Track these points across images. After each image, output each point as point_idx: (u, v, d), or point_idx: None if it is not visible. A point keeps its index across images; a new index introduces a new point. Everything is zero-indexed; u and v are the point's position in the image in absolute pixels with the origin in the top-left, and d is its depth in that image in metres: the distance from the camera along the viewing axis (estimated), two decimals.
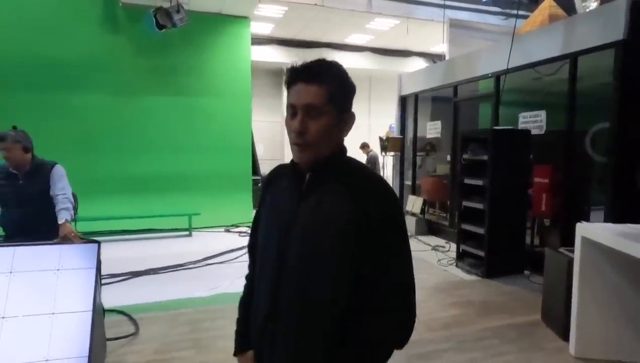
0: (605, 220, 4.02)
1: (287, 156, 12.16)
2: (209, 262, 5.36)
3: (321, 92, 0.99)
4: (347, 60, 11.70)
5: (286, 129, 1.04)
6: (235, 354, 1.21)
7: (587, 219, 4.33)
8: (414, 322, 1.04)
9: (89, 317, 2.15)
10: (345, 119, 1.05)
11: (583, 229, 2.91)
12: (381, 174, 8.77)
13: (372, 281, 0.99)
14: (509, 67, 5.13)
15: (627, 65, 3.92)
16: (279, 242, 1.05)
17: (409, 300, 1.03)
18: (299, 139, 1.00)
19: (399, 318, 1.02)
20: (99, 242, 2.43)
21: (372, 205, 0.99)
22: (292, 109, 1.01)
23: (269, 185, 1.17)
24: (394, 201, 1.05)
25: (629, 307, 2.87)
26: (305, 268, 1.01)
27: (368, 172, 1.08)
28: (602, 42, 4.14)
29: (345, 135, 1.08)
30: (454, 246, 5.54)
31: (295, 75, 1.00)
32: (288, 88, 1.02)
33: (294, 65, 1.02)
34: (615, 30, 3.98)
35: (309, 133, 0.99)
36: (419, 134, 7.77)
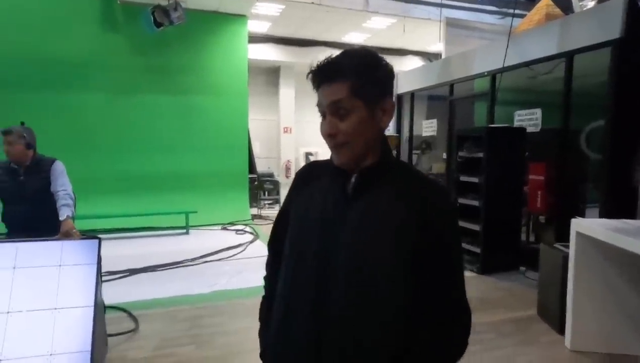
0: (600, 217, 4.08)
1: (284, 154, 12.23)
2: (207, 260, 5.37)
3: (344, 87, 0.90)
4: None
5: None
6: (261, 356, 1.13)
7: (582, 216, 4.39)
8: (469, 334, 0.97)
9: (90, 312, 2.16)
10: (380, 109, 0.94)
11: (578, 224, 2.95)
12: None
13: (428, 289, 0.92)
14: (505, 65, 5.18)
15: (623, 64, 3.96)
16: (322, 249, 0.94)
17: (467, 313, 0.97)
18: (330, 141, 0.94)
19: (458, 334, 0.96)
20: (99, 238, 2.45)
21: (430, 210, 0.92)
22: (320, 111, 0.96)
23: (302, 183, 1.07)
24: (452, 206, 0.99)
25: (623, 300, 2.92)
26: (354, 279, 0.91)
27: (421, 175, 1.01)
28: (599, 40, 4.18)
29: (386, 126, 0.97)
30: None
31: (315, 77, 0.93)
32: (317, 91, 0.95)
33: (312, 66, 0.94)
34: (612, 28, 4.02)
35: (340, 134, 0.92)
36: (415, 133, 7.82)
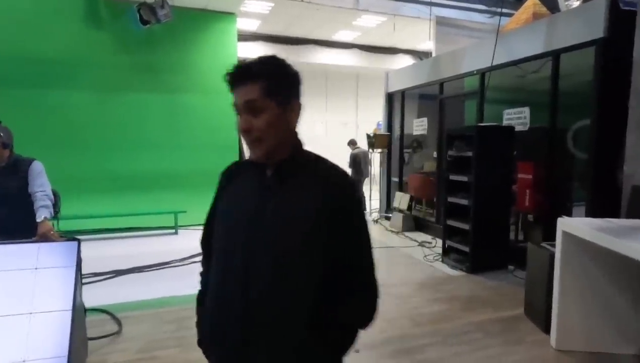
0: (586, 216, 4.10)
1: None
2: (195, 260, 5.31)
3: (256, 88, 1.01)
4: (334, 58, 11.69)
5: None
6: (199, 343, 1.25)
7: (570, 215, 4.40)
8: (378, 302, 1.11)
9: (68, 316, 2.11)
10: (290, 110, 1.07)
11: (564, 224, 2.96)
12: (368, 171, 8.81)
13: (341, 265, 1.05)
14: (493, 64, 5.19)
15: (606, 63, 3.99)
16: (246, 239, 1.05)
17: (374, 282, 1.10)
18: (246, 137, 1.04)
19: (367, 300, 1.09)
20: (79, 240, 2.39)
21: (338, 195, 1.05)
22: (236, 110, 1.05)
23: (227, 182, 1.18)
24: (355, 190, 1.10)
25: (608, 299, 2.93)
26: (277, 264, 1.03)
27: (328, 164, 1.12)
28: (583, 39, 4.21)
29: (295, 125, 1.09)
30: (440, 242, 5.59)
31: (232, 79, 1.03)
32: (232, 91, 1.06)
33: (228, 69, 1.04)
34: (596, 28, 4.04)
35: (254, 130, 1.02)
36: (405, 131, 7.81)
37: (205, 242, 1.24)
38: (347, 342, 1.09)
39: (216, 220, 1.15)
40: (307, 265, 1.03)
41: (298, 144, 1.11)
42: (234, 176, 1.17)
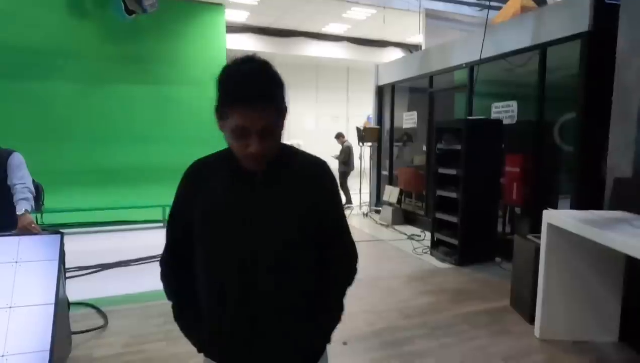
0: (571, 208, 4.15)
1: None
2: None
3: (272, 111, 0.97)
4: (324, 50, 11.60)
5: (230, 144, 1.01)
6: (201, 350, 1.18)
7: (555, 207, 4.45)
8: (357, 255, 1.24)
9: (50, 310, 2.08)
10: (285, 117, 1.06)
11: (549, 216, 2.99)
12: (355, 164, 8.84)
13: (327, 234, 1.14)
14: (482, 57, 5.19)
15: (591, 57, 4.02)
16: (246, 237, 1.04)
17: (350, 238, 1.22)
18: (258, 159, 1.00)
19: (349, 253, 1.21)
20: (62, 233, 2.35)
21: (321, 182, 1.14)
22: (242, 131, 0.96)
23: (195, 184, 1.12)
24: (331, 172, 1.18)
25: (590, 289, 2.98)
26: (279, 256, 1.06)
27: (308, 156, 1.18)
28: (569, 33, 4.23)
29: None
30: (429, 235, 5.62)
31: (242, 94, 0.94)
32: (227, 103, 0.96)
33: (233, 78, 0.96)
34: (581, 21, 4.07)
35: (267, 151, 0.99)
36: (395, 124, 7.81)
37: (175, 247, 1.15)
38: (337, 314, 1.18)
39: (198, 224, 1.08)
40: (304, 248, 1.09)
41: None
42: (203, 177, 1.12)
